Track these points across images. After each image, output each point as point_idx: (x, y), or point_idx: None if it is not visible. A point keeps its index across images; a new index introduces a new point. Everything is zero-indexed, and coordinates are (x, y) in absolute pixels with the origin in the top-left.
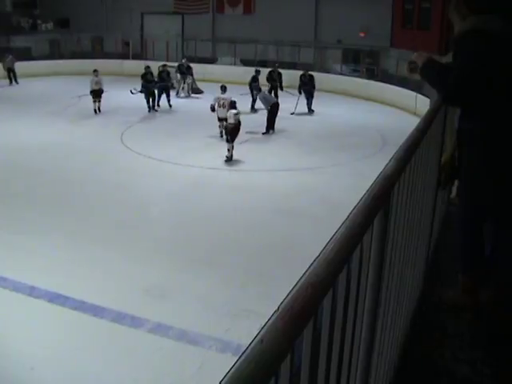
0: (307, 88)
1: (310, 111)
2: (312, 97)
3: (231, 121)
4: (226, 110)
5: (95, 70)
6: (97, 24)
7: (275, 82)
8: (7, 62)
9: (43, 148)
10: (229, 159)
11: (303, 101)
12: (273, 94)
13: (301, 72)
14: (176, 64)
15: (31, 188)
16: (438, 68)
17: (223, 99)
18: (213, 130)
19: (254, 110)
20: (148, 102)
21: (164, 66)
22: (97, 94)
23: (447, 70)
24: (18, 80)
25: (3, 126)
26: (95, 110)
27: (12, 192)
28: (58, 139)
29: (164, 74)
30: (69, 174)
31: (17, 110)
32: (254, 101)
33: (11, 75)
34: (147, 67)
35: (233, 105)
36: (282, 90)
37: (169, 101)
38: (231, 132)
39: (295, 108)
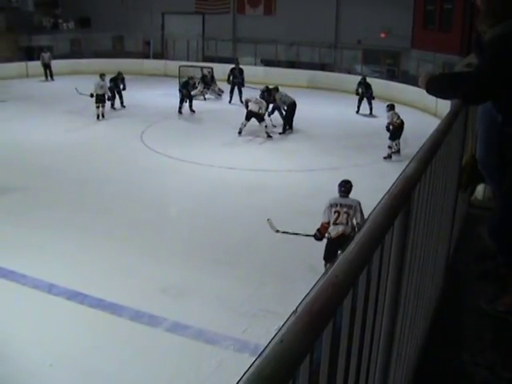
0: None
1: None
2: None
3: (398, 121)
4: (255, 104)
5: (103, 74)
6: (118, 23)
7: (237, 79)
8: (45, 59)
9: (62, 147)
10: (389, 156)
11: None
12: (236, 91)
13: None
14: (198, 69)
15: (52, 187)
16: (448, 77)
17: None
18: (232, 130)
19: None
20: (110, 99)
21: (191, 78)
22: (101, 99)
23: (460, 73)
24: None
25: (23, 125)
26: (98, 116)
27: (32, 191)
28: (77, 138)
29: (189, 86)
30: (88, 173)
31: (36, 109)
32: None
33: (47, 71)
34: (119, 73)
35: None
36: (244, 86)
37: (191, 106)
38: (396, 129)
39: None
